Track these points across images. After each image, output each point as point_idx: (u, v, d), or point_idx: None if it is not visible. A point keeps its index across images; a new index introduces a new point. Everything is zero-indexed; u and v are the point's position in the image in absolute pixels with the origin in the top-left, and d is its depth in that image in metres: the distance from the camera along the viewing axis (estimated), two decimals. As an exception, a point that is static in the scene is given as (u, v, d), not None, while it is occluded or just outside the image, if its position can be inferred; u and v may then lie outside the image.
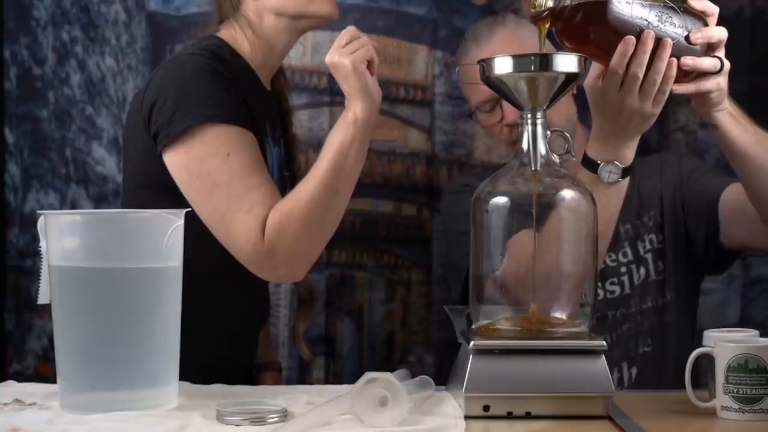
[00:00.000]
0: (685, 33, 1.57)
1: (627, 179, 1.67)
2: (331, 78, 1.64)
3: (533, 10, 1.55)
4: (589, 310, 1.48)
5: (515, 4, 2.26)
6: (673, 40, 1.55)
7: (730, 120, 1.66)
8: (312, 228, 1.60)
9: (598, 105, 1.62)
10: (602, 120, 1.63)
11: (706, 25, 1.60)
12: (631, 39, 1.53)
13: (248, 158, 1.62)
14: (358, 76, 1.59)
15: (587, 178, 1.62)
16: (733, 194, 1.87)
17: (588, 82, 1.58)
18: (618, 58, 1.54)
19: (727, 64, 1.61)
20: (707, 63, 1.59)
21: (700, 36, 1.58)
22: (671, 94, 1.59)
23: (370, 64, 1.61)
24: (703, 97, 1.62)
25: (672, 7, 1.57)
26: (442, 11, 2.30)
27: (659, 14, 1.55)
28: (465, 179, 2.15)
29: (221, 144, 1.61)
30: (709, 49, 1.60)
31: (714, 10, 1.61)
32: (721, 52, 1.60)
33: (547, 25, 1.55)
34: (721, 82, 1.61)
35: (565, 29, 1.56)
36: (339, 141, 1.60)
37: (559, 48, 1.61)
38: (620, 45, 1.53)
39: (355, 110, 1.61)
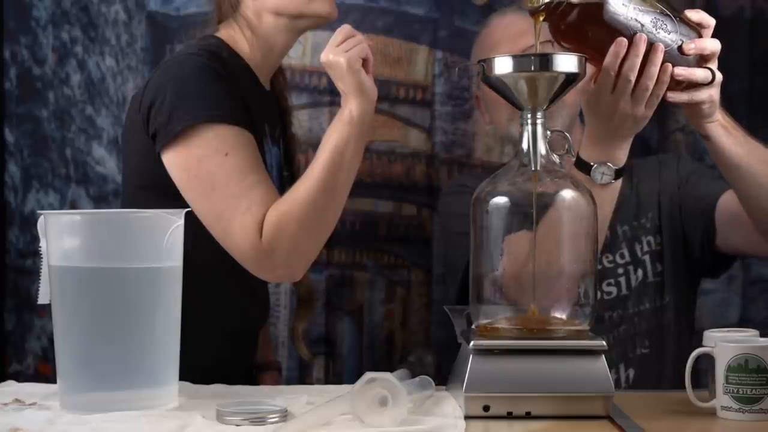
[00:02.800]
0: (679, 42, 1.58)
1: (620, 180, 1.67)
2: (331, 78, 1.65)
3: (530, 5, 1.55)
4: (589, 309, 1.48)
5: (516, 4, 2.26)
6: (666, 47, 1.56)
7: (723, 132, 1.66)
8: (310, 227, 1.61)
9: (590, 107, 1.62)
10: (595, 122, 1.63)
11: (700, 36, 1.60)
12: (623, 40, 1.53)
13: (246, 158, 1.62)
14: (353, 74, 1.60)
15: (580, 179, 1.62)
16: (729, 201, 1.87)
17: (580, 84, 1.59)
18: (610, 59, 1.54)
19: (719, 76, 1.61)
20: (699, 74, 1.59)
21: (693, 47, 1.58)
22: (664, 100, 1.59)
23: (365, 62, 1.61)
24: (694, 108, 1.63)
25: (668, 15, 1.57)
26: (442, 11, 2.30)
27: (654, 20, 1.56)
28: (462, 180, 2.15)
29: (220, 144, 1.61)
30: (701, 60, 1.60)
31: (710, 22, 1.61)
32: (713, 65, 1.61)
33: (542, 18, 1.55)
34: (713, 94, 1.61)
35: (560, 27, 1.56)
36: (335, 139, 1.61)
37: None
38: (612, 46, 1.54)
39: (350, 108, 1.61)
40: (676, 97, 1.60)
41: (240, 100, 1.68)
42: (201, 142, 1.61)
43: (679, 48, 1.58)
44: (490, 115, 2.04)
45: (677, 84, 1.59)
